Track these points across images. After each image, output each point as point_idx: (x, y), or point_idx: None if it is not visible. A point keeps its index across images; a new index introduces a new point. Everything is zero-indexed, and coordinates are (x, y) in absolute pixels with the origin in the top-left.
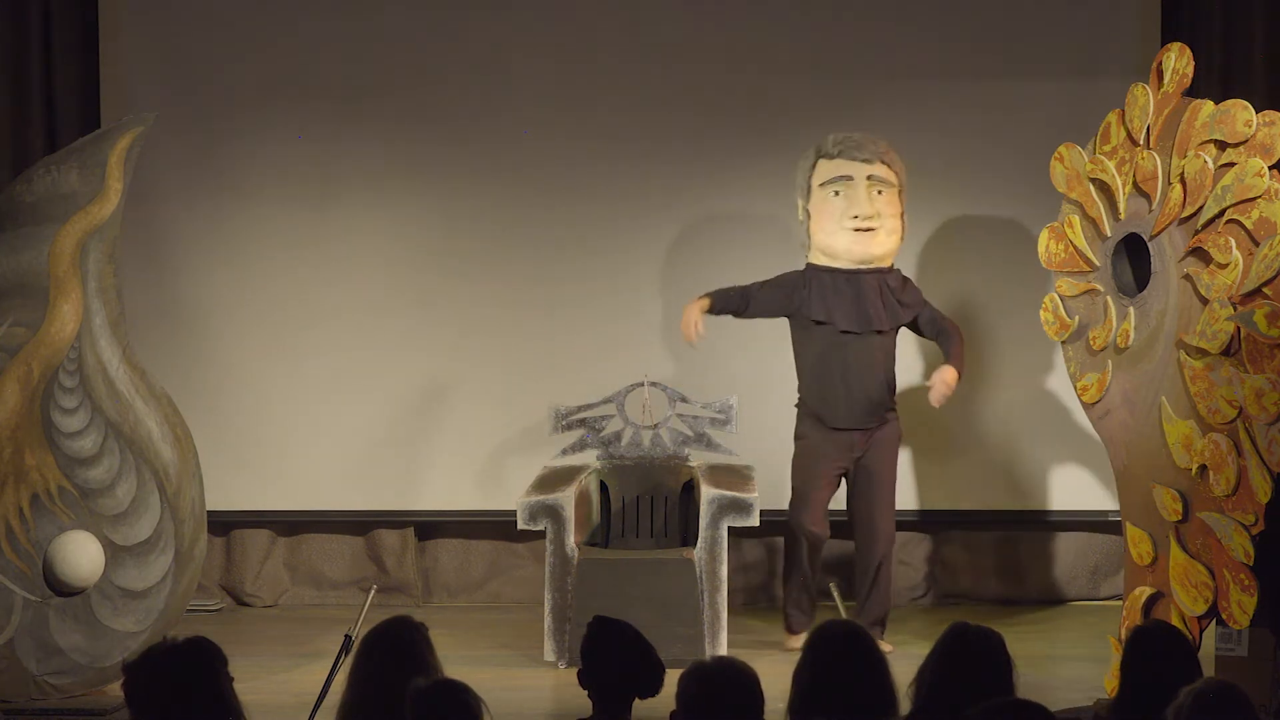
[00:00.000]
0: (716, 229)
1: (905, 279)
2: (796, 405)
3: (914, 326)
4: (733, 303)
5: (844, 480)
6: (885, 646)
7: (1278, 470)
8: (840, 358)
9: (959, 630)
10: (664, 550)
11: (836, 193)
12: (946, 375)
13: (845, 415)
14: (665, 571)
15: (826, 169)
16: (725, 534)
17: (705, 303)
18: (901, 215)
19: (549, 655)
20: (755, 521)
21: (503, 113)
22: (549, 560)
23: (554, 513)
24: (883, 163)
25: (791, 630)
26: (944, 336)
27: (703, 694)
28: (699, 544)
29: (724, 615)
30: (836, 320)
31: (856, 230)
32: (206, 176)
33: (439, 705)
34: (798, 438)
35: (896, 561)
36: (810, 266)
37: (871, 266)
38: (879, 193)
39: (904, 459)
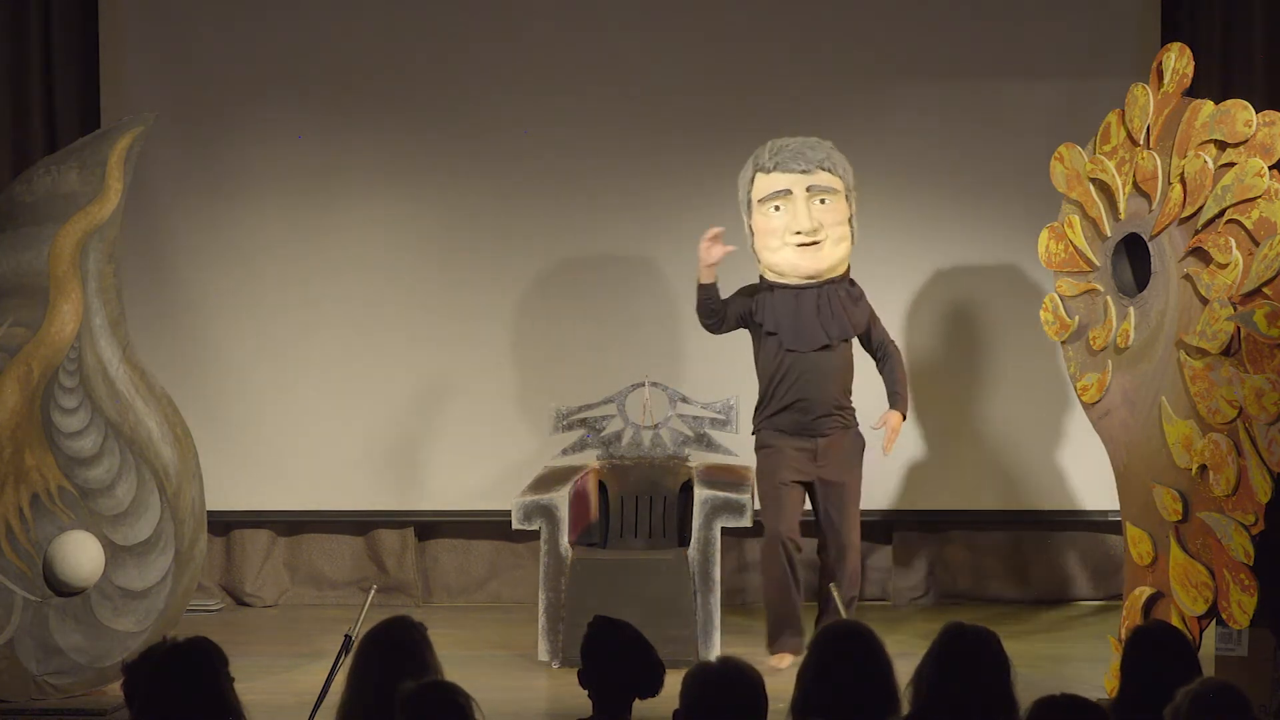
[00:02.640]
0: None
1: (857, 291)
2: (754, 417)
3: (862, 341)
4: (714, 301)
5: (809, 492)
6: None
7: (1278, 470)
8: (792, 371)
9: (954, 630)
10: (657, 550)
11: (777, 208)
12: (894, 422)
13: (799, 425)
14: (658, 572)
15: (764, 184)
16: (718, 534)
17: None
18: (850, 220)
19: (543, 655)
20: (748, 522)
21: (503, 113)
22: (543, 560)
23: (548, 513)
24: (823, 169)
25: (783, 649)
26: (887, 365)
27: (706, 694)
28: (692, 544)
29: (717, 616)
30: (783, 337)
31: (800, 246)
32: (206, 176)
33: (429, 707)
34: (759, 448)
35: (897, 562)
36: (763, 280)
37: (820, 280)
38: (821, 202)
39: (904, 459)
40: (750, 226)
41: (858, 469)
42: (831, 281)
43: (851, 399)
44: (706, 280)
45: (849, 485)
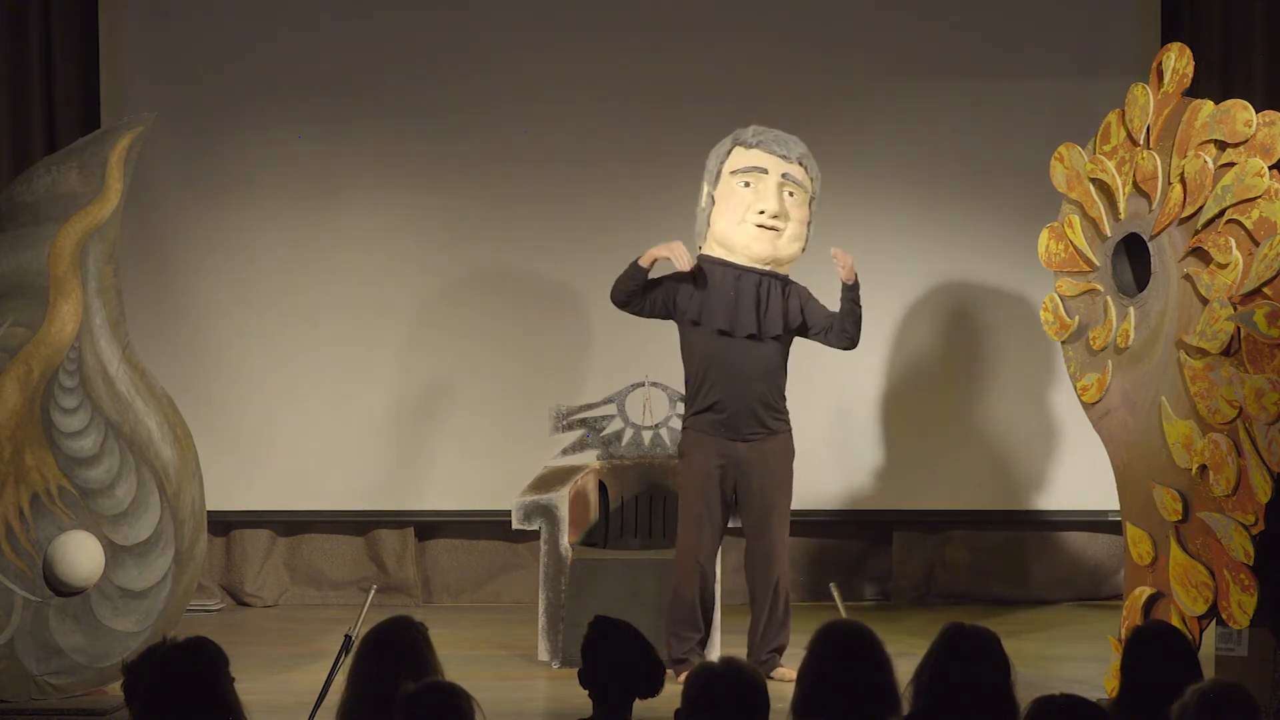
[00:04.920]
0: None
1: (792, 289)
2: (681, 415)
3: (803, 330)
4: (639, 283)
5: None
6: (788, 674)
7: (1278, 470)
8: (716, 365)
9: (954, 630)
10: (657, 551)
11: (746, 184)
12: (843, 254)
13: (720, 426)
14: (658, 572)
15: (741, 157)
16: None
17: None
18: (807, 223)
19: (543, 655)
20: None
21: (502, 112)
22: (543, 560)
23: (548, 512)
24: (800, 165)
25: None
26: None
27: (708, 695)
28: None
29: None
30: (714, 320)
31: (760, 227)
32: (206, 176)
33: (429, 707)
34: (681, 455)
35: (897, 562)
36: (703, 257)
37: (766, 269)
38: (790, 194)
39: (904, 458)
40: (711, 195)
41: (787, 484)
42: (772, 275)
43: (785, 403)
44: (646, 264)
45: (779, 497)
